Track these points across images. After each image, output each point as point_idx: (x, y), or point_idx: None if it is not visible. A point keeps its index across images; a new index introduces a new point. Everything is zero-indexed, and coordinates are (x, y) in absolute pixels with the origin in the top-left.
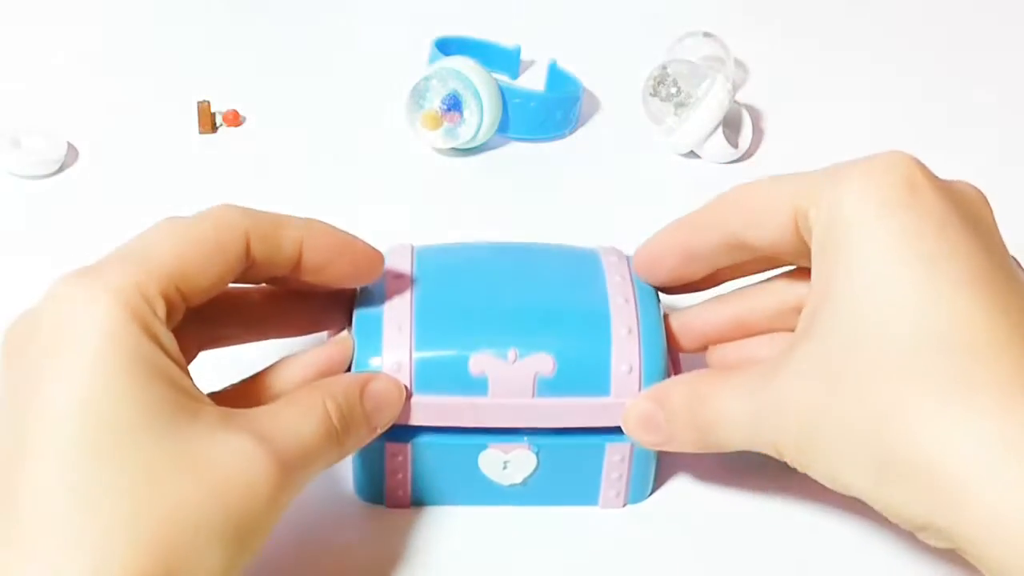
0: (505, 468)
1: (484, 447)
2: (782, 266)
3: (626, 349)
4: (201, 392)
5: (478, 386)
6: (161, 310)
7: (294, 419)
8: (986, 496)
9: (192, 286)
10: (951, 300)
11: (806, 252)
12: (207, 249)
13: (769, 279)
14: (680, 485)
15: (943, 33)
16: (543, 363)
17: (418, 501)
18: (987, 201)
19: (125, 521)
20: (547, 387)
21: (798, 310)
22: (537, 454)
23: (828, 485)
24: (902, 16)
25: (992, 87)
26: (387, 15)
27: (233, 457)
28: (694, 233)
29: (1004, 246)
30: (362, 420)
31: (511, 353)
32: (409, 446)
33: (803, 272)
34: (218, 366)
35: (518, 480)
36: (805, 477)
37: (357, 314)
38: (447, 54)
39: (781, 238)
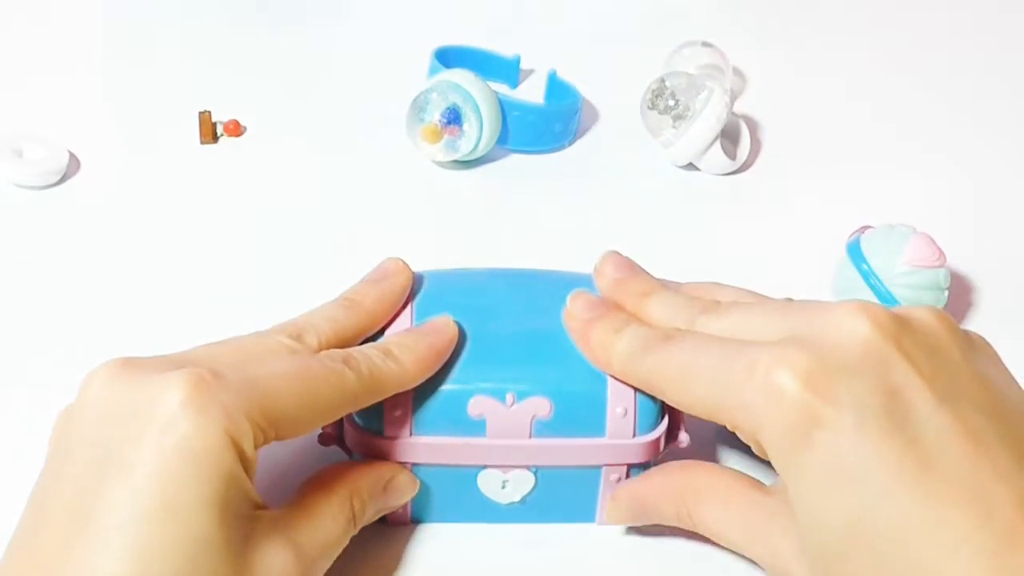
0: (504, 487)
1: (483, 467)
2: None
3: (621, 391)
4: (258, 496)
5: (476, 427)
6: (259, 439)
7: (325, 525)
8: None
9: (291, 430)
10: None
11: None
12: (319, 403)
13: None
14: None
15: (942, 43)
16: (540, 406)
17: (418, 518)
18: (876, 350)
19: None
20: (544, 428)
21: None
22: (535, 474)
23: None
24: (901, 26)
25: (993, 94)
26: (387, 26)
27: (273, 567)
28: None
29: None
30: (376, 512)
31: (509, 396)
32: (409, 464)
33: None
34: None
35: (516, 499)
36: None
37: None
38: (447, 64)
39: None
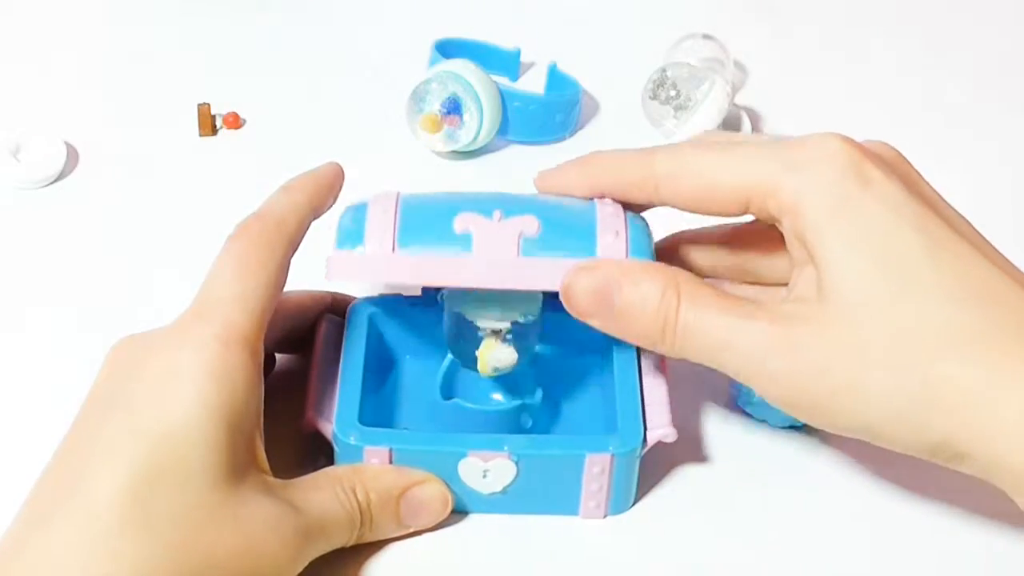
0: (485, 477)
1: (463, 455)
2: None
3: (612, 220)
4: (262, 453)
5: (462, 242)
6: (260, 360)
7: (325, 501)
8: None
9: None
10: (932, 278)
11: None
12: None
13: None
14: (662, 497)
15: (942, 34)
16: (528, 224)
17: None
18: (904, 158)
19: (161, 555)
20: (532, 246)
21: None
22: (517, 463)
23: (835, 430)
24: (901, 18)
25: (993, 88)
26: (387, 18)
27: (265, 520)
28: (619, 190)
29: (932, 192)
30: (391, 518)
31: (496, 213)
32: (388, 451)
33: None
34: None
35: (498, 489)
36: (786, 489)
37: (344, 211)
38: (447, 56)
39: (720, 211)
